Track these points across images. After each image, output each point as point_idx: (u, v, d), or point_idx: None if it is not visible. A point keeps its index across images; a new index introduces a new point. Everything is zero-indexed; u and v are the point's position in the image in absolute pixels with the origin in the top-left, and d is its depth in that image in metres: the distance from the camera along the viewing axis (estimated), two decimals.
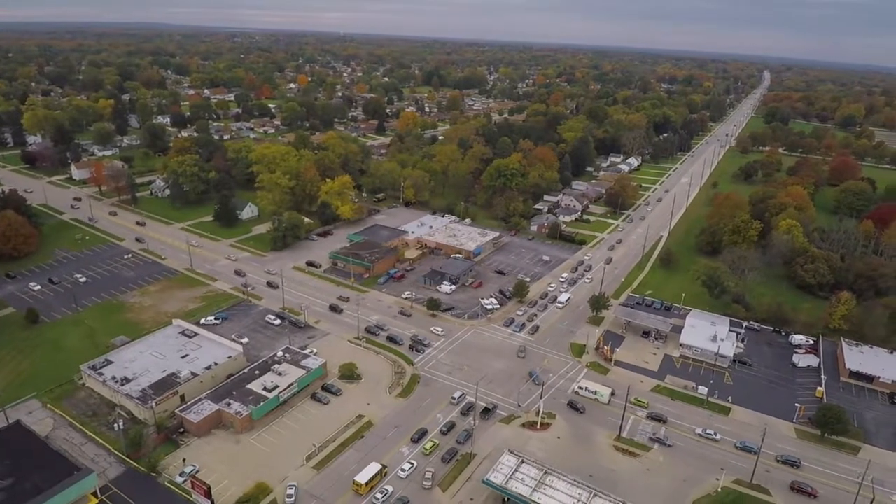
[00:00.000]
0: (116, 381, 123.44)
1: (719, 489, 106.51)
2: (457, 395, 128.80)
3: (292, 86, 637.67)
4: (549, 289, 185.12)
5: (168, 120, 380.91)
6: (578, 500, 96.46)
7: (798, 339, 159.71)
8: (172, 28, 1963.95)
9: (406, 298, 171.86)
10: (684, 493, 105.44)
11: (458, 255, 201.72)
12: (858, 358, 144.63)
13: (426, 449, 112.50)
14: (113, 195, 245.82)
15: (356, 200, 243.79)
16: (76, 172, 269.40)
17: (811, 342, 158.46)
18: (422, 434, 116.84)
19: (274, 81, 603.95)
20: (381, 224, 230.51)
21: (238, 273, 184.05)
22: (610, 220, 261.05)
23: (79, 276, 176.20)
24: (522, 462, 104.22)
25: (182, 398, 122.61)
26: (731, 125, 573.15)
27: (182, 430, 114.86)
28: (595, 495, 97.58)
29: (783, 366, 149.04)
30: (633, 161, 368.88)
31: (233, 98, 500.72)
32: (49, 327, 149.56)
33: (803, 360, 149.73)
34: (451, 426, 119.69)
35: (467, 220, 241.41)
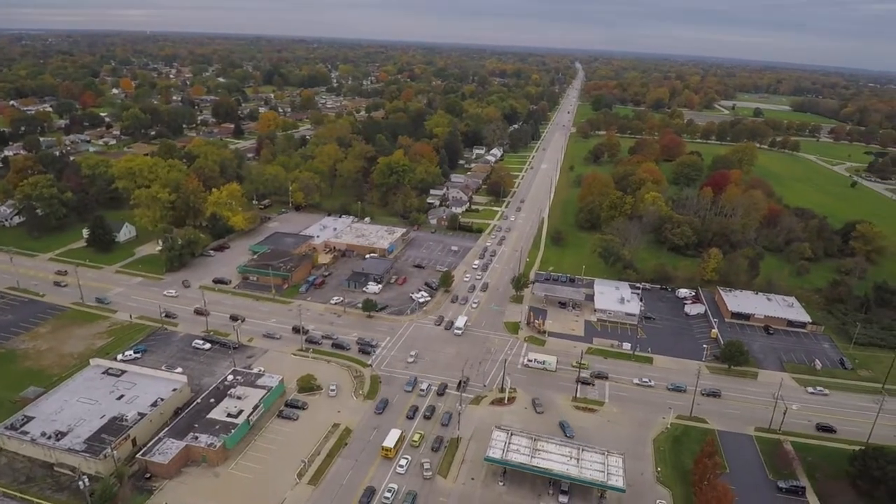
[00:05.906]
0: (49, 437, 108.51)
1: (668, 426, 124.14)
2: (424, 386, 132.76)
3: (116, 91, 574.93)
4: (465, 279, 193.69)
5: None
6: (571, 457, 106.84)
7: (683, 292, 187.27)
8: None
9: (337, 304, 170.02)
10: (644, 435, 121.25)
11: (373, 255, 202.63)
12: (736, 301, 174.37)
13: (414, 441, 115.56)
14: None
15: (241, 209, 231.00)
16: None
17: (693, 293, 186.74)
18: (414, 411, 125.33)
19: (96, 87, 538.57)
20: (281, 231, 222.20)
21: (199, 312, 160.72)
22: (495, 208, 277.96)
23: None
24: (512, 434, 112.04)
25: (133, 442, 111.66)
26: (564, 113, 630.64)
27: (148, 475, 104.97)
28: (583, 450, 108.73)
29: (678, 316, 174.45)
30: (497, 152, 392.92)
31: (51, 108, 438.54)
32: None
33: (693, 308, 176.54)
34: (432, 410, 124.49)
35: (367, 219, 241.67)
